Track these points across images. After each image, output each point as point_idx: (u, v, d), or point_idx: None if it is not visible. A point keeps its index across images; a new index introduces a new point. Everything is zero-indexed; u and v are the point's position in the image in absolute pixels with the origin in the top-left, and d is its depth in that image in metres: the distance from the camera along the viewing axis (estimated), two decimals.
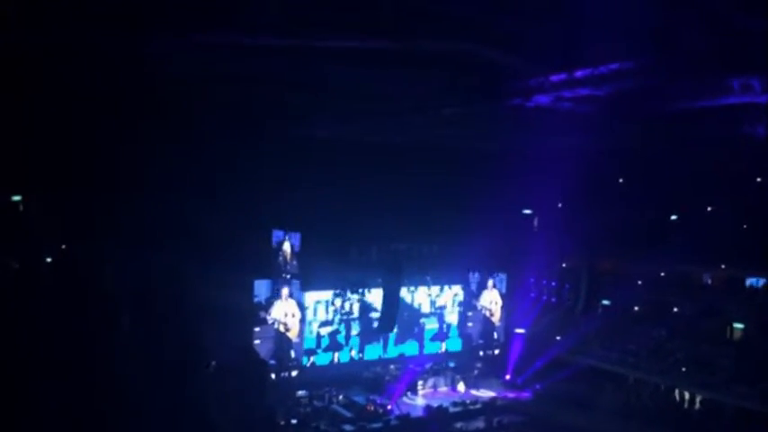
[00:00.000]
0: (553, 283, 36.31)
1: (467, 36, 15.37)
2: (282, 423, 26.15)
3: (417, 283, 33.21)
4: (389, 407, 28.83)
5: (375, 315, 31.35)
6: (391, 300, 29.65)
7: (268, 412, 25.71)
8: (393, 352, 32.75)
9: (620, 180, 34.12)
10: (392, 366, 32.33)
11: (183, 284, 24.14)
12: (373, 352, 32.32)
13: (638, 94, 18.37)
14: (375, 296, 31.25)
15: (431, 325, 34.21)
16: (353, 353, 31.81)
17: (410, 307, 33.19)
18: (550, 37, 15.56)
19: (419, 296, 33.71)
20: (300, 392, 28.84)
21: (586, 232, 32.32)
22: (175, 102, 20.21)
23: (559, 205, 34.61)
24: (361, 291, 31.64)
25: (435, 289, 34.14)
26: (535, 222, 36.66)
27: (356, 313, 31.58)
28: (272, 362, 29.08)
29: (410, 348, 33.43)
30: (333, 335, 31.12)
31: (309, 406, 28.30)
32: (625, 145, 27.28)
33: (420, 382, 31.49)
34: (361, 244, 31.35)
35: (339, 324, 31.30)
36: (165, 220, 24.27)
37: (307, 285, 30.04)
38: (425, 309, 34.03)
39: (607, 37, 15.05)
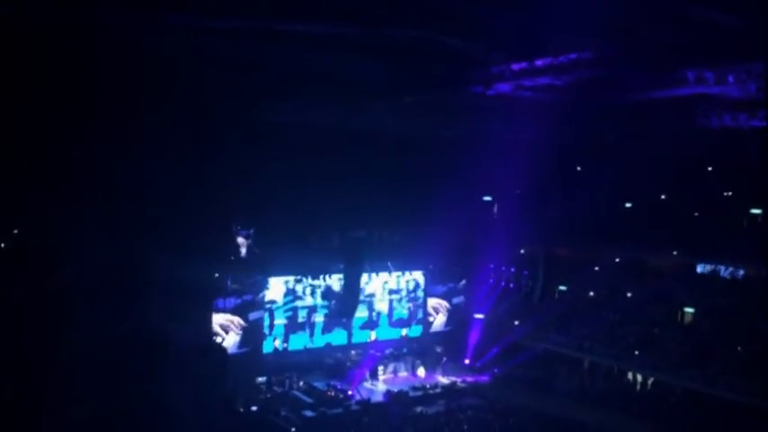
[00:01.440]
0: (512, 270, 36.85)
1: (430, 23, 15.43)
2: (242, 410, 26.08)
3: (378, 269, 33.29)
4: (350, 392, 28.95)
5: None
6: (352, 286, 29.76)
7: (228, 399, 25.61)
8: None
9: (578, 168, 34.72)
10: (353, 352, 32.48)
11: (142, 269, 23.77)
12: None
13: (595, 84, 18.75)
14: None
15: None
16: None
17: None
18: (512, 25, 15.71)
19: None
20: (260, 379, 28.79)
21: (544, 219, 32.86)
22: (134, 86, 19.79)
23: (518, 192, 35.07)
24: (314, 278, 31.40)
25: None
26: (495, 209, 37.10)
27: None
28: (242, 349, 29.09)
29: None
30: None
31: (269, 392, 28.27)
32: (582, 134, 27.78)
33: (381, 368, 31.68)
34: (322, 231, 31.30)
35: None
36: (125, 206, 23.84)
37: (267, 271, 29.91)
38: None
39: (567, 27, 15.26)
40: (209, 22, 14.27)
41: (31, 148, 22.37)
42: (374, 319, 33.60)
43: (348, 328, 32.69)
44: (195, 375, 24.09)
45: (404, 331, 34.73)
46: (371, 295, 33.54)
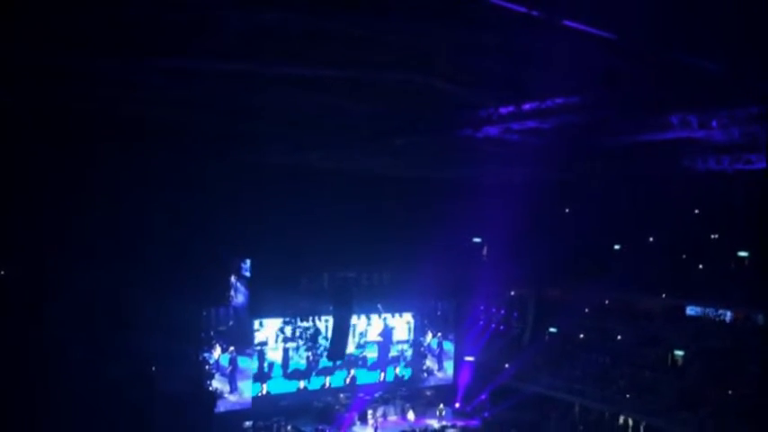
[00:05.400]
0: (502, 311, 36.72)
1: (418, 67, 15.66)
2: None
3: (368, 311, 33.03)
4: None
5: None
6: (341, 328, 29.48)
7: None
8: None
9: (566, 210, 34.94)
10: (342, 395, 32.07)
11: (128, 309, 23.53)
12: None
13: (582, 127, 18.98)
14: None
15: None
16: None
17: None
18: (500, 70, 15.96)
19: None
20: (247, 423, 28.34)
21: (534, 261, 32.91)
22: (126, 125, 19.89)
23: (508, 234, 35.14)
24: (302, 319, 31.01)
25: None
26: (484, 251, 37.15)
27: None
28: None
29: None
30: None
31: None
32: (570, 176, 28.02)
33: (370, 411, 31.27)
34: (312, 271, 31.12)
35: None
36: (112, 243, 23.70)
37: (255, 312, 29.63)
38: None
39: (554, 72, 15.53)
40: (200, 65, 14.43)
41: (19, 188, 22.31)
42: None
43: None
44: (181, 422, 23.59)
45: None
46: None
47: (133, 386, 22.95)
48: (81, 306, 22.85)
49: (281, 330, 30.65)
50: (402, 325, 34.52)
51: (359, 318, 32.36)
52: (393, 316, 34.00)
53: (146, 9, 11.53)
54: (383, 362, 33.84)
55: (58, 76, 15.30)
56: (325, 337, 31.16)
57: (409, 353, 34.68)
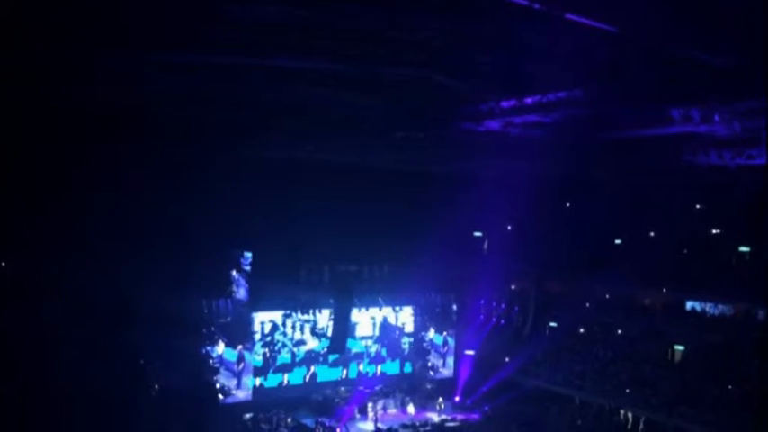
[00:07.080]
0: (502, 305, 36.71)
1: (420, 61, 15.62)
2: None
3: (369, 304, 33.00)
4: (338, 429, 28.59)
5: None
6: (342, 321, 29.46)
7: None
8: None
9: (567, 204, 34.89)
10: (342, 388, 32.10)
11: (126, 303, 23.51)
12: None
13: (583, 121, 18.94)
14: None
15: None
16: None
17: None
18: (502, 64, 15.91)
19: None
20: (247, 415, 28.39)
21: (535, 255, 32.88)
22: (128, 119, 19.84)
23: (509, 228, 35.13)
24: (303, 312, 30.89)
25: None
26: (485, 245, 37.12)
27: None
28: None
29: None
30: None
31: (257, 429, 27.83)
32: (571, 170, 27.96)
33: (370, 404, 31.31)
34: (312, 265, 31.08)
35: None
36: (112, 237, 23.67)
37: (255, 305, 29.62)
38: None
39: (555, 66, 15.48)
40: (205, 59, 14.41)
41: (17, 184, 22.27)
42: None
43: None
44: (181, 418, 23.55)
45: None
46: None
47: (130, 381, 22.96)
48: (79, 301, 22.81)
49: (283, 324, 30.60)
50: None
51: (357, 312, 32.20)
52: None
53: (147, 3, 11.49)
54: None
55: (58, 73, 15.28)
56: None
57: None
